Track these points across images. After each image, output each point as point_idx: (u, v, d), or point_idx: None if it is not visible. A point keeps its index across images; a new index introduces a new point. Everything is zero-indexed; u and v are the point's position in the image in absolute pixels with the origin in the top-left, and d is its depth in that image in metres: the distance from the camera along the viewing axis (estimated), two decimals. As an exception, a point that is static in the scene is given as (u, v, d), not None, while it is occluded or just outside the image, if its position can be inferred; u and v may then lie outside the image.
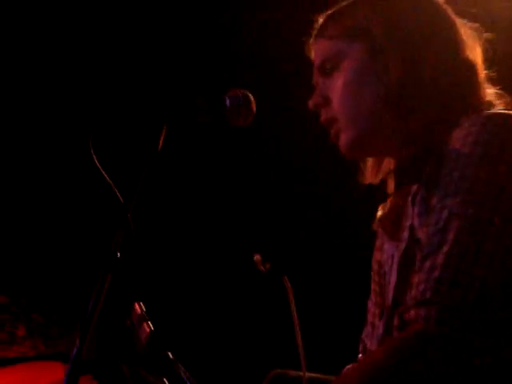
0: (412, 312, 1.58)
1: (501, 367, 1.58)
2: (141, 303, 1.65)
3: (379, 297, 1.96)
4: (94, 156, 1.75)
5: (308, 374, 2.14)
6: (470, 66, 1.83)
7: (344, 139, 1.87)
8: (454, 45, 1.84)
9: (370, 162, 1.99)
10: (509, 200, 1.58)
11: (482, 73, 1.86)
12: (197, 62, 3.71)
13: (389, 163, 1.95)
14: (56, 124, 3.95)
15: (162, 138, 1.79)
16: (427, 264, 1.59)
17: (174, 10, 3.91)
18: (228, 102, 1.86)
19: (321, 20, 1.95)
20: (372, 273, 2.02)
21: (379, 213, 1.96)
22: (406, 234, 1.79)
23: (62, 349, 3.96)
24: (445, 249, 1.57)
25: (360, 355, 2.04)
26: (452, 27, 1.86)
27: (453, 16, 1.88)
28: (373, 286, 2.01)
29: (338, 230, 4.12)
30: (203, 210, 4.12)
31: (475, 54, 1.86)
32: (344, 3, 1.93)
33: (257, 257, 2.04)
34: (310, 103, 1.92)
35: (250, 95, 1.88)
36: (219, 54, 3.45)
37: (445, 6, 1.89)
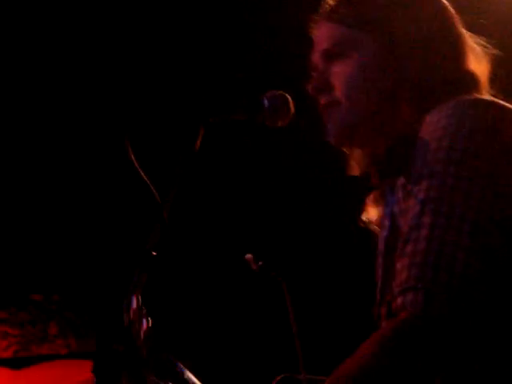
0: (398, 300, 1.55)
1: (489, 349, 1.57)
2: (139, 297, 1.63)
3: None
4: (132, 155, 1.75)
5: (310, 377, 2.12)
6: (472, 73, 1.83)
7: (343, 123, 1.85)
8: (461, 53, 1.83)
9: (356, 153, 1.97)
10: (482, 179, 1.57)
11: (485, 82, 1.85)
12: (236, 62, 3.71)
13: (370, 156, 1.93)
14: (95, 121, 3.98)
15: (199, 138, 1.78)
16: (408, 249, 1.57)
17: (210, 12, 3.93)
18: (266, 102, 1.86)
19: (332, 1, 1.91)
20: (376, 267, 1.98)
21: (367, 209, 1.96)
22: (386, 222, 1.80)
23: (94, 348, 3.98)
24: (424, 233, 1.55)
25: None
26: (461, 38, 1.86)
27: (462, 29, 1.88)
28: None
29: (330, 228, 4.09)
30: (196, 209, 4.08)
31: (480, 67, 1.85)
32: None
33: (248, 256, 2.04)
34: (310, 87, 1.89)
35: (287, 96, 1.87)
36: (258, 54, 3.45)
37: (457, 19, 1.89)
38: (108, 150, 3.43)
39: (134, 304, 1.60)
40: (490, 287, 1.55)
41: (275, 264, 1.88)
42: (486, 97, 1.76)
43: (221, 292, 4.23)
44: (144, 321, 1.60)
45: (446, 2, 1.90)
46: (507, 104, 1.67)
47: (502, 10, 3.74)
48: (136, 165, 1.74)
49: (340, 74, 1.85)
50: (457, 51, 1.84)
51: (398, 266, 1.59)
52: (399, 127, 1.80)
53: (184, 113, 1.81)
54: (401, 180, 1.75)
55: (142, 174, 1.74)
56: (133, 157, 1.74)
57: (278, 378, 1.88)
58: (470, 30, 1.91)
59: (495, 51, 1.90)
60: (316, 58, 1.92)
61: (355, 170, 1.98)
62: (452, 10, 1.89)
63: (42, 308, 4.00)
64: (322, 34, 1.90)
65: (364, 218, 1.99)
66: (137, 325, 1.59)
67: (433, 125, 1.64)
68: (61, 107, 4.01)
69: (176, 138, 1.77)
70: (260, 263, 1.91)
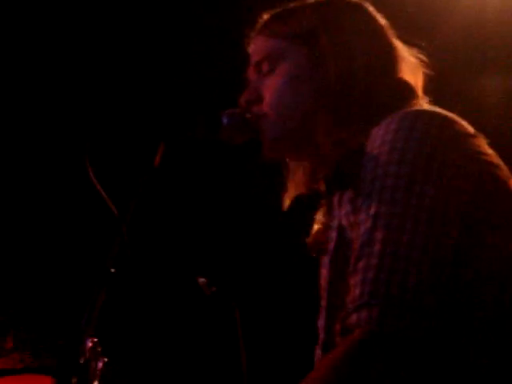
0: (353, 316, 1.55)
1: (449, 360, 1.58)
2: (94, 338, 1.64)
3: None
4: (91, 170, 1.74)
5: None
6: (404, 83, 1.85)
7: (270, 136, 1.87)
8: (392, 64, 1.86)
9: (293, 168, 1.99)
10: (433, 191, 1.57)
11: (418, 90, 1.87)
12: (196, 80, 3.72)
13: (316, 171, 1.94)
14: (52, 136, 3.95)
15: (159, 155, 1.78)
16: (361, 265, 1.57)
17: (171, 25, 3.93)
18: (225, 120, 1.87)
19: (266, 17, 1.95)
20: (320, 289, 1.98)
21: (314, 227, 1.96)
22: (334, 234, 1.80)
23: (50, 362, 3.95)
24: (376, 248, 1.56)
25: None
26: (391, 49, 1.88)
27: (395, 41, 1.91)
28: (321, 303, 1.98)
29: (282, 249, 4.09)
30: (152, 227, 4.06)
31: (414, 77, 1.88)
32: (292, 5, 1.93)
33: (201, 280, 2.02)
34: (242, 99, 1.91)
35: (247, 115, 1.89)
36: (218, 71, 3.46)
37: (390, 31, 1.91)
38: (67, 164, 3.41)
39: (89, 344, 1.60)
40: (443, 299, 1.55)
41: (229, 290, 1.88)
42: (429, 107, 1.78)
43: (171, 315, 4.20)
44: (99, 359, 1.60)
45: (376, 14, 1.92)
46: (448, 113, 1.69)
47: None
48: (94, 180, 1.74)
49: (268, 85, 1.88)
50: (389, 62, 1.86)
51: (352, 281, 1.59)
52: (324, 138, 1.80)
53: (144, 129, 1.81)
54: (348, 193, 1.76)
55: (100, 189, 1.74)
56: (91, 172, 1.74)
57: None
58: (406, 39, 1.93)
59: (427, 61, 1.92)
60: (250, 71, 1.95)
61: (297, 187, 1.98)
62: (383, 22, 1.91)
63: (-2, 322, 3.96)
64: (255, 47, 1.94)
65: (309, 240, 2.00)
66: (93, 363, 1.59)
67: (380, 138, 1.64)
68: (15, 115, 3.98)
69: (136, 154, 1.78)
70: (213, 289, 1.90)
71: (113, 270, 1.67)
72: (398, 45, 1.91)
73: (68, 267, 3.97)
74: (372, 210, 1.59)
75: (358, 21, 1.88)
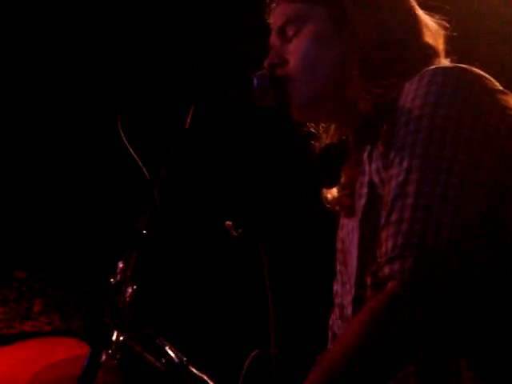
0: (385, 269, 1.55)
1: (479, 315, 1.59)
2: (124, 263, 1.64)
3: (345, 275, 1.94)
4: (122, 133, 1.74)
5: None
6: (429, 43, 1.85)
7: (299, 98, 1.86)
8: (416, 25, 1.86)
9: (327, 125, 1.99)
10: (465, 145, 1.58)
11: (441, 50, 1.87)
12: (226, 40, 3.71)
13: (346, 124, 1.94)
14: (84, 99, 3.96)
15: (189, 116, 1.78)
16: (393, 218, 1.57)
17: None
18: (256, 81, 1.86)
19: None
20: (337, 252, 2.00)
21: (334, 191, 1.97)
22: (364, 190, 1.80)
23: (77, 325, 3.99)
24: (409, 201, 1.56)
25: (330, 345, 2.00)
26: (415, 13, 1.88)
27: (416, 5, 1.90)
28: (338, 267, 1.99)
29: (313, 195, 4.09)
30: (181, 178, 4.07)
31: (435, 42, 1.87)
32: None
33: (228, 223, 2.03)
34: (266, 62, 1.90)
35: (278, 76, 1.88)
36: (249, 33, 3.44)
37: None
38: (98, 128, 3.42)
39: (121, 265, 1.61)
40: (478, 252, 1.56)
41: (256, 231, 1.88)
42: (458, 64, 1.76)
43: (197, 261, 4.22)
44: (129, 284, 1.61)
45: None
46: (478, 70, 1.69)
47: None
48: (126, 143, 1.74)
49: (294, 48, 1.88)
50: (412, 23, 1.86)
51: (383, 235, 1.59)
52: (356, 94, 1.80)
53: (175, 91, 1.81)
54: (379, 149, 1.76)
55: (132, 151, 1.74)
56: (123, 135, 1.74)
57: (252, 354, 1.88)
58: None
59: (448, 26, 1.91)
60: (272, 37, 1.94)
61: (328, 139, 1.98)
62: None
63: (27, 285, 4.00)
64: (277, 14, 1.94)
65: (329, 195, 2.00)
66: (123, 286, 1.60)
67: (412, 93, 1.65)
68: (52, 83, 3.99)
69: (166, 116, 1.78)
70: (240, 230, 1.91)
71: (144, 232, 1.68)
72: (419, 10, 1.90)
73: (98, 229, 3.99)
74: (404, 164, 1.60)
75: None
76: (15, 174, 4.05)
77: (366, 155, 1.82)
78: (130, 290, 1.60)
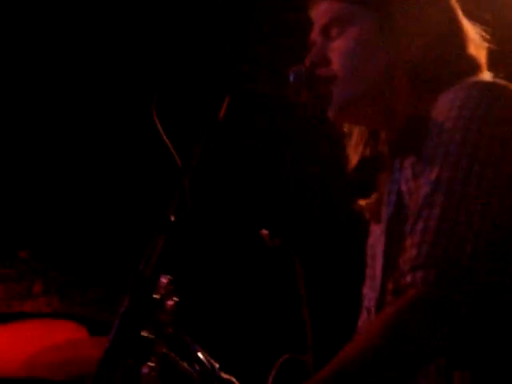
0: (408, 277, 1.57)
1: (497, 329, 1.60)
2: (168, 276, 1.65)
3: (373, 280, 1.95)
4: (157, 119, 1.74)
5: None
6: (471, 55, 1.85)
7: (339, 99, 1.86)
8: (460, 37, 1.85)
9: (355, 133, 1.99)
10: (497, 162, 1.59)
11: (484, 63, 1.87)
12: (265, 33, 3.70)
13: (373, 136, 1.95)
14: (120, 85, 3.95)
15: (223, 107, 1.78)
16: (419, 227, 1.59)
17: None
18: (292, 76, 1.86)
19: None
20: (366, 258, 2.01)
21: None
22: (393, 198, 1.81)
23: (77, 310, 3.98)
24: (436, 211, 1.58)
25: None
26: (460, 25, 1.88)
27: (462, 17, 1.90)
28: (367, 271, 2.00)
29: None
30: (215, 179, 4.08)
31: (478, 54, 1.87)
32: None
33: (264, 231, 2.02)
34: (307, 60, 1.90)
35: (314, 72, 1.88)
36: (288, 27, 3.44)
37: (458, 6, 1.90)
38: (131, 113, 3.41)
39: (164, 280, 1.62)
40: (500, 268, 1.58)
41: (291, 242, 1.88)
42: (498, 80, 1.78)
43: (231, 267, 4.22)
44: (171, 298, 1.62)
45: None
46: None
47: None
48: (160, 131, 1.74)
49: (338, 48, 1.87)
50: (457, 36, 1.86)
51: (408, 242, 1.60)
52: (401, 104, 1.82)
53: (210, 81, 1.81)
54: (410, 158, 1.77)
55: (165, 138, 1.74)
56: (157, 121, 1.74)
57: (282, 358, 1.90)
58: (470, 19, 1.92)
59: (492, 42, 1.91)
60: (315, 33, 1.93)
61: (355, 150, 1.99)
62: None
63: (28, 265, 3.98)
64: (321, 10, 1.92)
65: (362, 202, 2.01)
66: (165, 300, 1.60)
67: (447, 105, 1.66)
68: (85, 67, 3.99)
69: (200, 106, 1.78)
70: (275, 240, 1.91)
71: (172, 219, 1.68)
72: (464, 21, 1.90)
73: (119, 215, 3.99)
74: (433, 175, 1.61)
75: None
76: (30, 154, 4.04)
77: (397, 163, 1.83)
78: (171, 303, 1.61)
